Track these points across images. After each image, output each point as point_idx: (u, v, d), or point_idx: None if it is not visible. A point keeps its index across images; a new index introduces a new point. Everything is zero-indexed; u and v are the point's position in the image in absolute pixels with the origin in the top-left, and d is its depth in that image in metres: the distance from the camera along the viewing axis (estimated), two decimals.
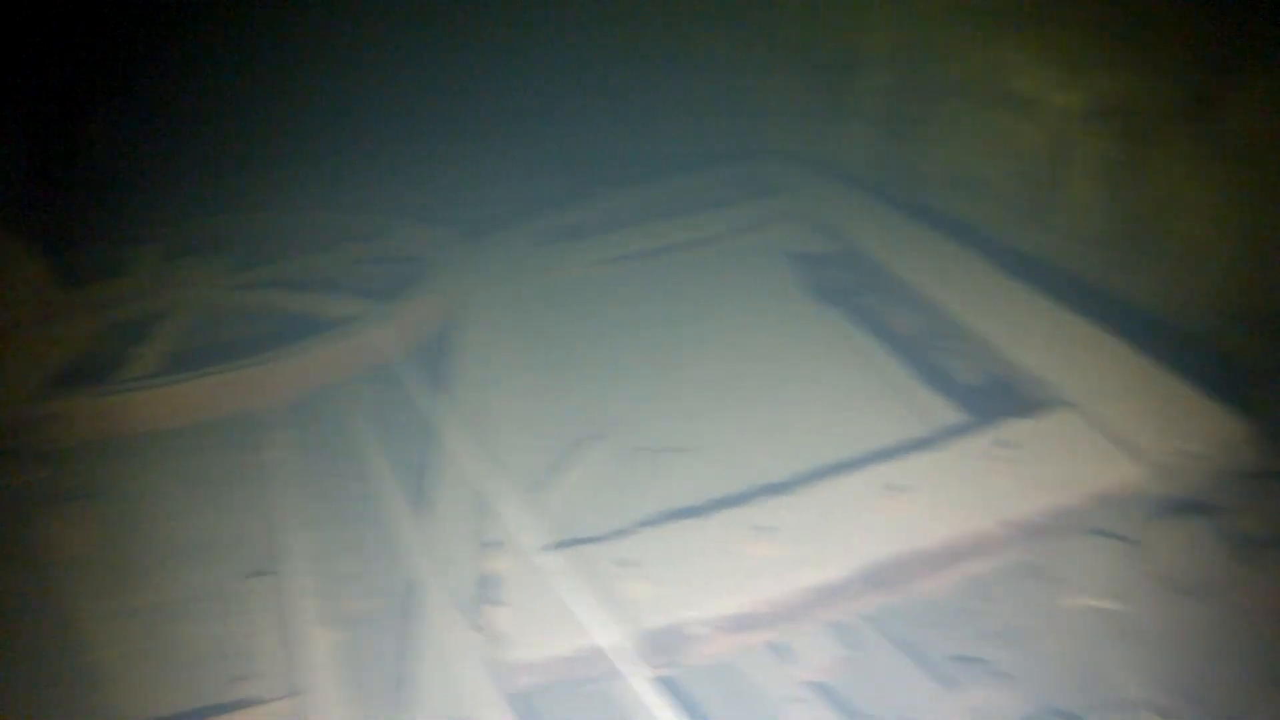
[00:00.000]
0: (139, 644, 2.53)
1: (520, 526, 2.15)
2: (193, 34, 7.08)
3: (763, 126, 4.96)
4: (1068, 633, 2.20)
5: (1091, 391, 2.34)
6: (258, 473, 3.05)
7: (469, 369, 3.01)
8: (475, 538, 2.23)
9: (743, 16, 5.01)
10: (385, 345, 3.36)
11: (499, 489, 2.31)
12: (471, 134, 6.60)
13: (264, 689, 2.30)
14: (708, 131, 5.36)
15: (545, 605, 1.93)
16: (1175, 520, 2.26)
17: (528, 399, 2.82)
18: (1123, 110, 3.23)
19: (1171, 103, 3.08)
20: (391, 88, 7.17)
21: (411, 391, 3.18)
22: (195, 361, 3.34)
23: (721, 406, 2.65)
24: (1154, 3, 3.08)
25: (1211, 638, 2.10)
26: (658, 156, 5.42)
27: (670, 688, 1.89)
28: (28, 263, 3.31)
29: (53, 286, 3.61)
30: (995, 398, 2.60)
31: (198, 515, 2.98)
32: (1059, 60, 3.41)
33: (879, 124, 4.27)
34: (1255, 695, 2.00)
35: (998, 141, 3.77)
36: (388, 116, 6.99)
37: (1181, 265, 3.13)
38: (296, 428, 3.23)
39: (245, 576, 2.68)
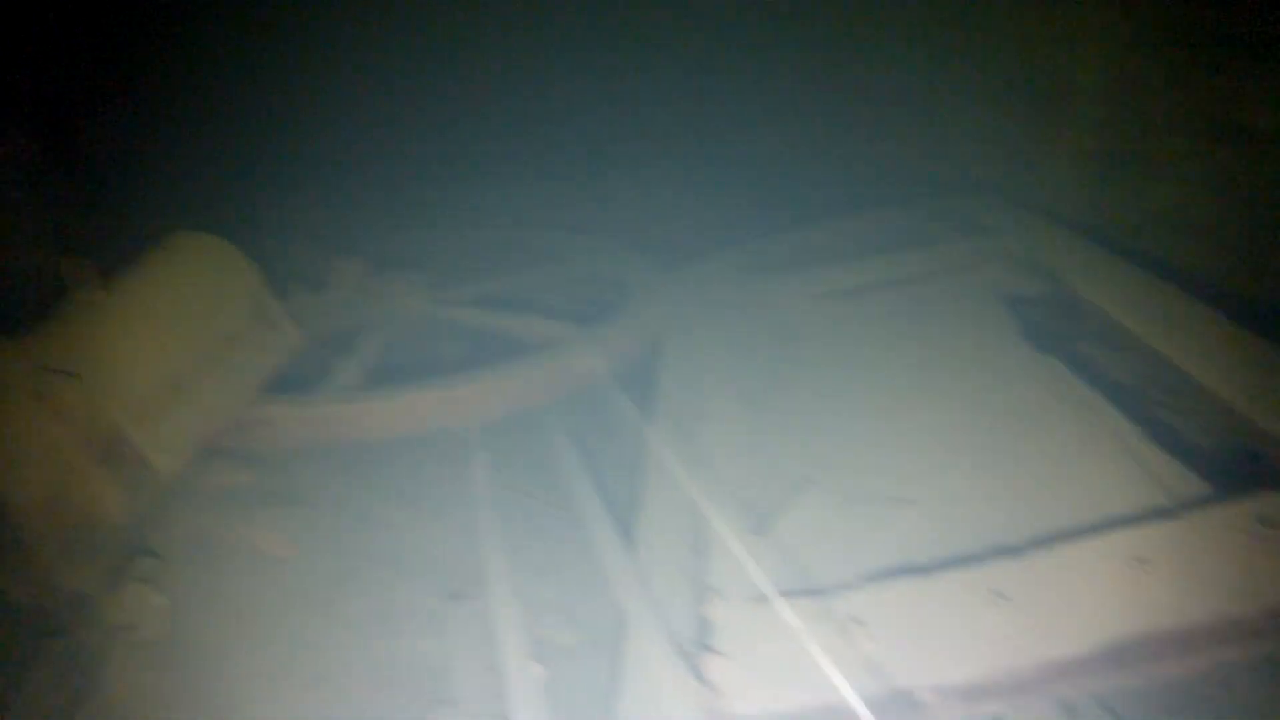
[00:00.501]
0: (340, 653, 2.60)
1: (739, 571, 2.12)
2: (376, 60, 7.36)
3: (958, 158, 4.80)
4: None
5: None
6: (459, 491, 3.13)
7: (677, 398, 3.01)
8: (691, 578, 2.22)
9: (937, 39, 4.86)
10: (591, 369, 3.41)
11: (716, 529, 2.29)
12: (648, 154, 6.63)
13: (468, 715, 2.32)
14: (898, 161, 5.23)
15: (767, 657, 1.89)
16: None
17: (739, 433, 2.79)
18: None
19: None
20: (570, 102, 7.26)
21: (617, 417, 3.21)
22: (399, 376, 3.47)
23: (942, 457, 2.55)
24: None
25: None
26: (846, 186, 5.32)
27: None
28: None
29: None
30: (1239, 465, 2.41)
31: (398, 529, 3.06)
32: None
33: (1089, 160, 4.07)
34: None
35: (1223, 180, 3.52)
36: (566, 133, 7.09)
37: None
38: (499, 448, 3.30)
39: (445, 597, 2.72)
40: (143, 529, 2.93)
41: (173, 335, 2.94)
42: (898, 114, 5.21)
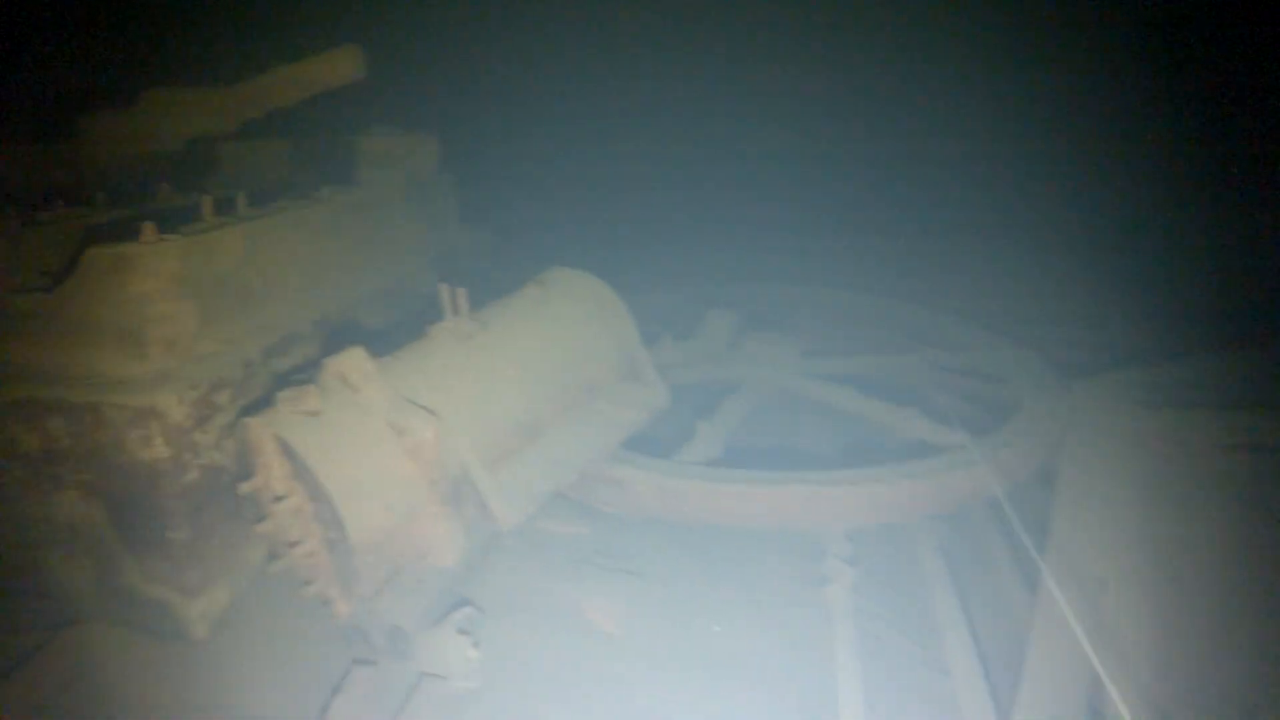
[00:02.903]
0: None
1: None
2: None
3: None
4: None
5: None
6: (811, 600, 2.68)
7: (1076, 548, 2.38)
8: None
9: None
10: (978, 483, 2.83)
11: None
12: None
13: None
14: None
15: None
16: None
17: (1149, 606, 2.12)
18: None
19: None
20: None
21: (1002, 552, 2.62)
22: (761, 453, 3.09)
23: None
24: None
25: None
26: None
27: None
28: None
29: None
30: None
31: (737, 626, 2.69)
32: None
33: None
34: None
35: None
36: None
37: None
38: (860, 559, 2.81)
39: (801, 712, 2.34)
40: (469, 575, 2.79)
41: (537, 378, 2.76)
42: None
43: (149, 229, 2.59)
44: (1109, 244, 5.48)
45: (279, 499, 2.30)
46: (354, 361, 2.39)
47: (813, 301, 4.76)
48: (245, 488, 2.33)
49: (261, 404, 2.42)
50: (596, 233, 6.44)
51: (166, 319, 2.59)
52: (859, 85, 7.03)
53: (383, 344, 2.58)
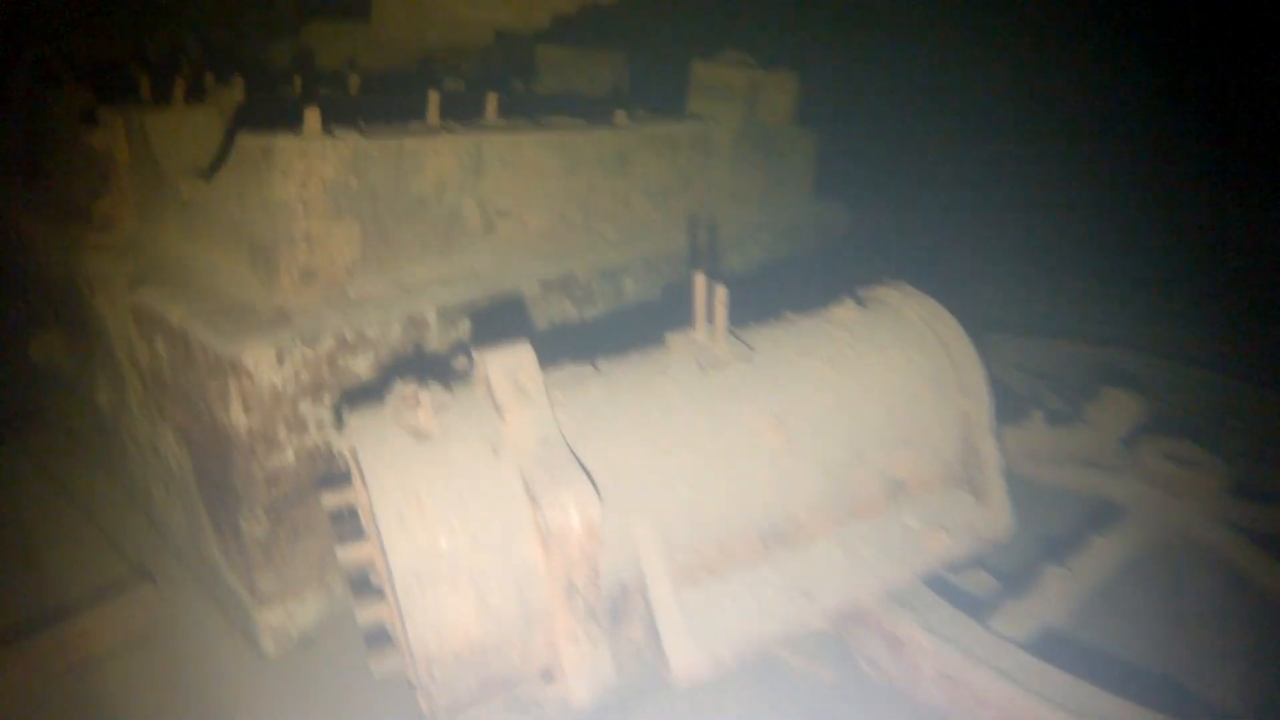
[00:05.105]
0: None
1: None
2: None
3: None
4: None
5: None
6: None
7: None
8: None
9: None
10: None
11: None
12: None
13: None
14: None
15: None
16: None
17: None
18: None
19: None
20: None
21: None
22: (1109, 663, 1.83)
23: None
24: None
25: None
26: None
27: None
28: None
29: None
30: None
31: None
32: None
33: None
34: None
35: None
36: None
37: None
38: None
39: None
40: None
41: (808, 456, 1.72)
42: None
43: (313, 117, 1.83)
44: None
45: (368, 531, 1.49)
46: (513, 366, 1.50)
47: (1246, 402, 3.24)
48: (329, 500, 1.54)
49: (372, 394, 1.61)
50: (981, 242, 5.14)
51: (309, 240, 1.84)
52: None
53: (617, 336, 1.69)
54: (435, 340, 1.96)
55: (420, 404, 1.45)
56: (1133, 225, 5.34)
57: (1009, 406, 2.65)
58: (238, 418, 1.69)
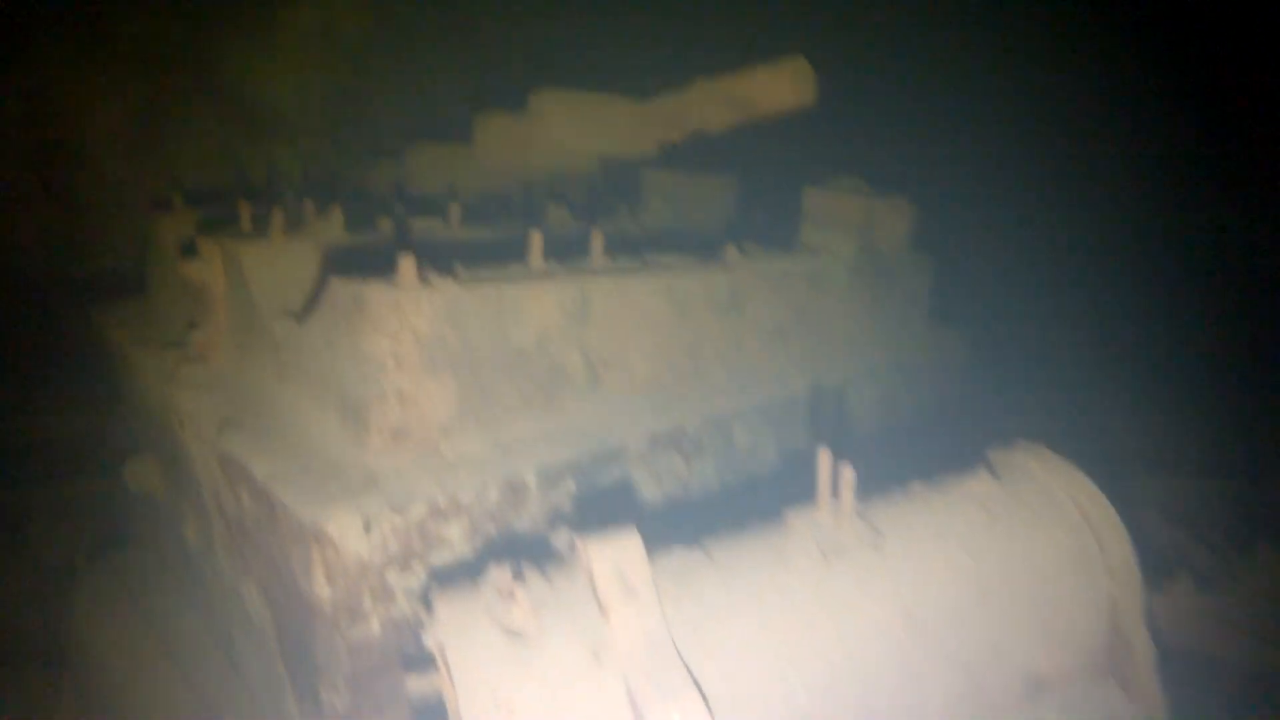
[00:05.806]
0: None
1: None
2: None
3: None
4: None
5: None
6: None
7: None
8: None
9: None
10: None
11: None
12: None
13: None
14: None
15: None
16: None
17: None
18: None
19: None
20: None
21: None
22: None
23: None
24: None
25: None
26: None
27: None
28: None
29: None
30: None
31: None
32: None
33: None
34: None
35: None
36: None
37: None
38: None
39: None
40: None
41: (939, 654, 1.53)
42: None
43: (408, 265, 1.75)
44: None
45: None
46: (618, 559, 1.36)
47: None
48: (414, 685, 1.41)
49: (464, 571, 1.48)
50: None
51: (401, 397, 1.74)
52: None
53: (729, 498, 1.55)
54: (535, 503, 1.84)
55: (516, 598, 1.32)
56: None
57: (1148, 564, 2.40)
58: (320, 588, 1.59)
